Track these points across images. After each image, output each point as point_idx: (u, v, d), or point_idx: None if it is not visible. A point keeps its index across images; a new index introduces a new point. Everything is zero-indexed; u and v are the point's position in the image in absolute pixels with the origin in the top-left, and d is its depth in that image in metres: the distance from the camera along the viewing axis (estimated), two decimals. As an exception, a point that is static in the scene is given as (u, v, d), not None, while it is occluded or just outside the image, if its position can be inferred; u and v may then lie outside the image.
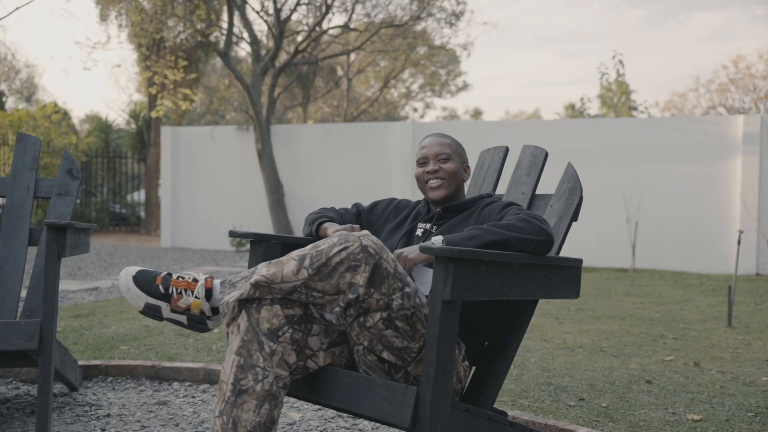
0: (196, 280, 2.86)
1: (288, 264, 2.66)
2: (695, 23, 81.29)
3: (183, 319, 2.85)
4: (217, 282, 2.85)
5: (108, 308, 8.03)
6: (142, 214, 25.70)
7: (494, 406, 3.15)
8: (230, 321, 2.71)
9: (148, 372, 5.15)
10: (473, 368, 3.15)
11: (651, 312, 8.51)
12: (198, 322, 2.86)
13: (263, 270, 2.69)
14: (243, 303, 2.70)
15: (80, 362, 5.14)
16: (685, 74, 79.56)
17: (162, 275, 2.86)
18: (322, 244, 2.67)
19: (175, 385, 5.00)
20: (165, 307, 2.83)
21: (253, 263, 3.37)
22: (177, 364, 5.18)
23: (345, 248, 2.63)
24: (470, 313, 3.02)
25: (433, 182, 3.43)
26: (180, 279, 2.85)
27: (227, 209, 18.44)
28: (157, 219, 23.08)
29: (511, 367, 5.25)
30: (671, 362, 5.75)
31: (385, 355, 2.73)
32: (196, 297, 2.82)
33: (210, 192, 18.70)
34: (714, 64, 63.70)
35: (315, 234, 3.44)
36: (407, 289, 2.67)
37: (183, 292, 2.82)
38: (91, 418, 4.19)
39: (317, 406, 4.48)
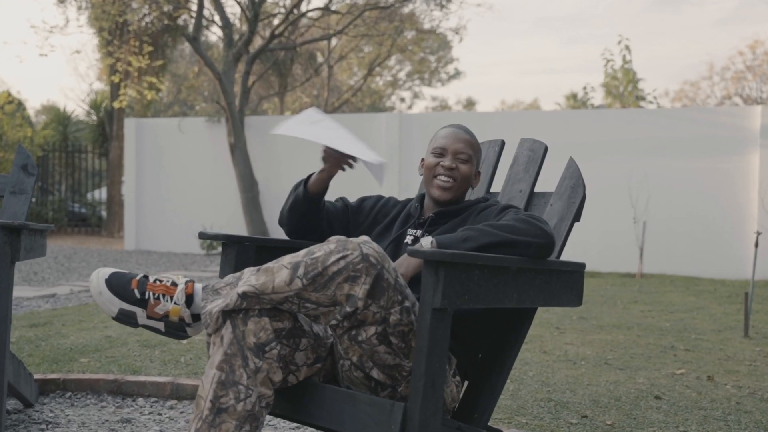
0: (175, 284, 2.82)
1: (280, 273, 2.63)
2: (711, 5, 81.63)
3: (160, 326, 2.81)
4: (198, 287, 2.82)
5: (66, 317, 8.01)
6: (104, 213, 25.63)
7: (489, 423, 3.15)
8: (213, 331, 2.69)
9: (110, 386, 5.14)
10: (465, 382, 3.15)
11: (660, 321, 8.53)
12: (176, 329, 2.83)
13: (252, 279, 2.66)
14: (228, 312, 2.67)
15: (36, 376, 5.13)
16: (698, 61, 79.90)
17: (138, 278, 2.81)
18: (318, 251, 2.63)
19: (140, 401, 4.99)
20: (141, 314, 2.79)
21: (224, 267, 3.35)
22: (142, 378, 5.18)
23: (344, 257, 2.58)
24: (462, 323, 3.02)
25: (444, 180, 3.34)
26: (157, 282, 2.82)
27: (197, 209, 18.41)
28: (120, 219, 23.02)
29: (508, 381, 5.26)
30: (682, 376, 5.77)
31: (375, 373, 2.72)
32: (175, 303, 2.79)
33: (178, 190, 18.67)
34: (729, 50, 63.89)
35: (305, 189, 3.38)
36: (406, 303, 2.65)
37: (161, 297, 2.79)
38: (47, 438, 4.19)
39: (295, 424, 4.48)
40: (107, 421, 4.52)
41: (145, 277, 2.83)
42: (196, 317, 2.80)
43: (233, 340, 2.63)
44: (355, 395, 2.63)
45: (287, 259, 2.66)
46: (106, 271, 2.83)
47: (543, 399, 5.03)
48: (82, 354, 6.08)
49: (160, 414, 4.70)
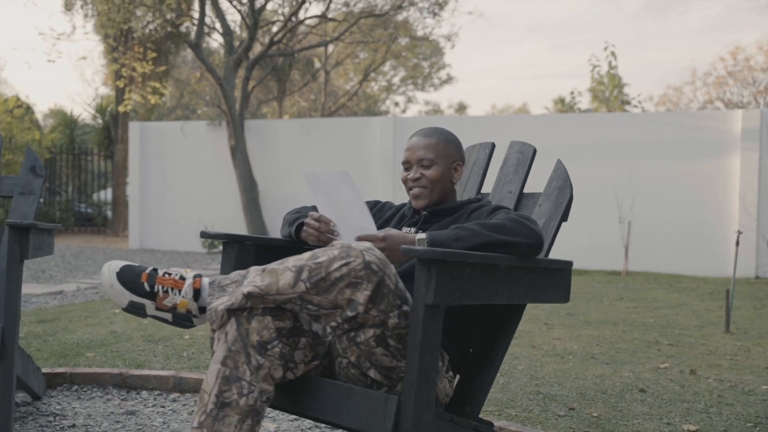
0: (183, 278, 2.81)
1: (284, 275, 2.64)
2: (695, 13, 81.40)
3: (168, 316, 2.80)
4: (206, 281, 2.81)
5: (73, 313, 8.01)
6: (109, 213, 25.61)
7: (480, 416, 3.15)
8: (218, 327, 2.69)
9: (116, 380, 5.14)
10: (457, 376, 3.15)
11: (645, 317, 8.54)
12: (184, 320, 2.83)
13: (257, 279, 2.67)
14: (233, 310, 2.68)
15: (44, 370, 5.12)
16: (682, 67, 79.68)
17: (147, 271, 2.81)
18: (322, 256, 2.64)
19: (144, 393, 4.98)
20: (150, 305, 2.79)
21: (225, 265, 3.35)
22: (146, 372, 5.17)
23: (347, 263, 2.60)
24: (454, 319, 3.02)
25: (415, 190, 3.36)
26: (166, 276, 2.81)
27: (198, 209, 18.40)
28: (125, 219, 23.01)
29: (498, 375, 5.26)
30: (666, 370, 5.78)
31: (372, 373, 2.73)
32: (183, 297, 2.78)
33: (180, 191, 18.65)
34: (712, 57, 63.89)
35: (295, 236, 3.38)
36: (405, 307, 2.66)
37: (169, 290, 2.78)
38: (55, 429, 4.18)
39: (293, 416, 4.48)
40: (112, 413, 4.52)
41: (155, 270, 2.82)
42: (202, 309, 2.80)
43: (237, 338, 2.64)
44: (351, 388, 2.63)
45: (291, 261, 2.67)
46: (117, 264, 2.83)
47: (532, 392, 5.04)
48: (88, 349, 6.08)
49: (163, 406, 4.70)
